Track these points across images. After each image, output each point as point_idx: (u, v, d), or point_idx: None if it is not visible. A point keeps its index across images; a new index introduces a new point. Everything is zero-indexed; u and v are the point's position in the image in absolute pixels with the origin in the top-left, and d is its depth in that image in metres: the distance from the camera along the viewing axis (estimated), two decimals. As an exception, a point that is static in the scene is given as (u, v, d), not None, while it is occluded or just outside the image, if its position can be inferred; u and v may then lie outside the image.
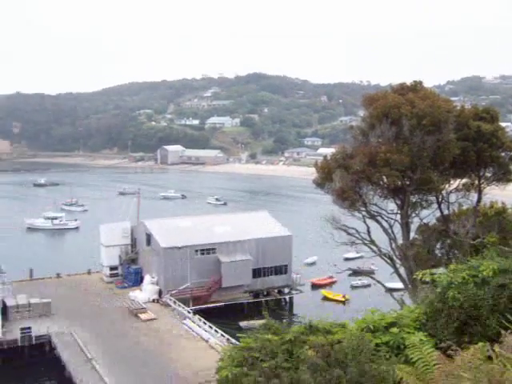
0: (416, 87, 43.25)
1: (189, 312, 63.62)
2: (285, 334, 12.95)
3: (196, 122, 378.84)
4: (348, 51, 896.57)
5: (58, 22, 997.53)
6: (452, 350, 9.35)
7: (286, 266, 77.29)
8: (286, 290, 78.92)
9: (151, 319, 63.20)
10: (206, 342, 55.98)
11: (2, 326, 58.63)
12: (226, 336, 55.06)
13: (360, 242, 44.70)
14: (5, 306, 62.24)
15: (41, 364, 56.73)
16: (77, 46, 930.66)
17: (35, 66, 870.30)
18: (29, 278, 78.78)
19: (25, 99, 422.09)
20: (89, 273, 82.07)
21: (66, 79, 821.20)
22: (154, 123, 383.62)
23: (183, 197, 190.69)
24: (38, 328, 59.19)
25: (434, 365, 9.39)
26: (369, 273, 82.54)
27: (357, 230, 44.31)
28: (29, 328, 58.46)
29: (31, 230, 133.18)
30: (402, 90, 43.31)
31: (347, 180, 40.76)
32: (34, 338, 58.06)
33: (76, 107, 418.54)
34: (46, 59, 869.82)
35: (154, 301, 69.62)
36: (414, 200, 43.82)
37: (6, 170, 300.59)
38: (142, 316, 63.70)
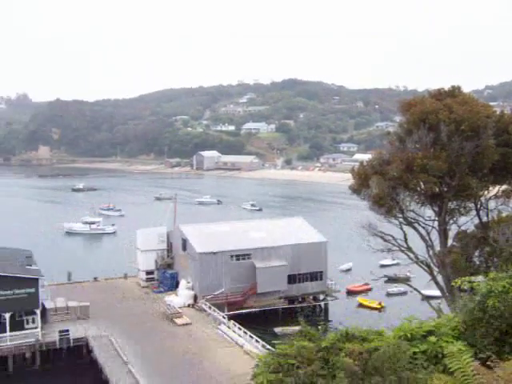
0: (454, 92, 42.72)
1: (224, 317, 63.71)
2: (321, 341, 12.89)
3: (232, 127, 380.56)
4: (385, 56, 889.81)
5: (96, 31, 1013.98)
6: (492, 361, 9.18)
7: (321, 272, 76.86)
8: (322, 297, 78.46)
9: (186, 324, 63.48)
10: (241, 347, 55.96)
11: (42, 328, 59.62)
12: (261, 342, 54.94)
13: (396, 248, 44.29)
14: (44, 309, 63.31)
15: (78, 366, 57.37)
16: (115, 54, 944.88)
17: (75, 74, 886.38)
18: (67, 281, 79.98)
19: (64, 106, 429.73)
20: (125, 277, 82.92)
21: (105, 86, 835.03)
22: (190, 129, 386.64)
23: (219, 202, 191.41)
24: (76, 331, 60.01)
25: (473, 375, 9.22)
26: (405, 280, 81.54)
27: (393, 237, 43.89)
28: (67, 330, 59.30)
29: (69, 234, 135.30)
30: (439, 95, 42.85)
31: (384, 186, 40.43)
32: (71, 341, 58.85)
33: (114, 113, 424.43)
34: (85, 67, 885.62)
35: (189, 306, 69.94)
36: (451, 206, 43.25)
37: (45, 175, 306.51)
38: (178, 320, 64.03)
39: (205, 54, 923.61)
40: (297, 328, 14.47)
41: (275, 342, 14.02)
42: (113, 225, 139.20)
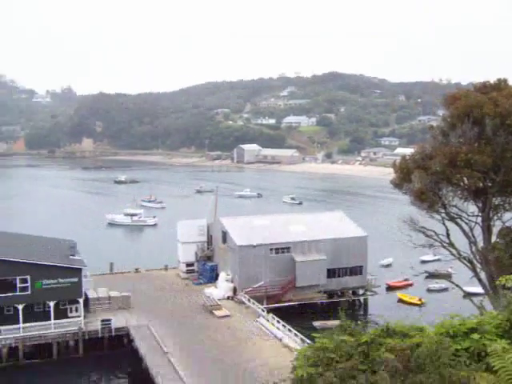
0: (500, 85, 41.81)
1: (263, 310, 63.90)
2: (361, 336, 12.82)
3: (272, 121, 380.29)
4: (427, 49, 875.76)
5: (137, 25, 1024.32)
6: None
7: (361, 266, 76.37)
8: (361, 292, 77.97)
9: (226, 316, 63.88)
10: (280, 340, 56.06)
11: (84, 317, 60.84)
12: (300, 335, 54.94)
13: (438, 244, 43.67)
14: (86, 298, 64.57)
15: (119, 355, 58.43)
16: (157, 47, 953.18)
17: (118, 67, 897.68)
18: (109, 271, 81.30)
19: (107, 99, 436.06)
20: (166, 268, 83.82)
21: (147, 79, 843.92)
22: (231, 122, 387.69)
23: (259, 195, 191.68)
24: (117, 320, 61.04)
25: (518, 374, 9.06)
26: (446, 276, 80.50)
27: (435, 232, 43.31)
28: (109, 320, 60.40)
29: (112, 225, 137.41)
30: (484, 88, 42.00)
31: (426, 181, 39.91)
32: (113, 330, 59.94)
33: (156, 107, 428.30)
34: (128, 60, 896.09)
35: (228, 298, 70.37)
36: (496, 202, 42.42)
37: (89, 168, 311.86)
38: (217, 312, 64.49)
39: (246, 48, 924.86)
40: (336, 322, 14.42)
41: (315, 335, 13.97)
42: (154, 217, 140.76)
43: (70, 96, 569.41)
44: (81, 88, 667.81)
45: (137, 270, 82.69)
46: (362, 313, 75.23)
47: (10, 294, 57.99)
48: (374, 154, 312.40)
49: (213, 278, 76.38)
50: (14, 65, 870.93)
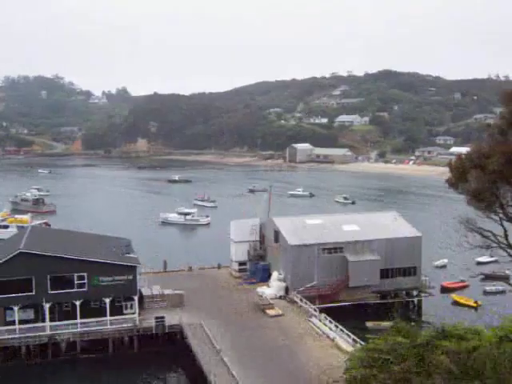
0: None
1: (315, 310, 63.67)
2: (415, 338, 12.69)
3: (325, 120, 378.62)
4: (483, 44, 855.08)
5: (194, 27, 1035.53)
6: None
7: (414, 267, 75.18)
8: (415, 293, 76.70)
9: (278, 315, 63.92)
10: (332, 340, 55.77)
11: (139, 314, 61.94)
12: (352, 336, 54.54)
13: (496, 245, 42.66)
14: (141, 296, 65.70)
15: (172, 352, 59.19)
16: (210, 47, 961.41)
17: (172, 68, 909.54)
18: (163, 269, 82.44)
19: (162, 100, 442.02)
20: (219, 267, 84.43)
21: (201, 80, 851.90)
22: (283, 122, 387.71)
23: (311, 195, 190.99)
24: (171, 318, 61.87)
25: None
26: (504, 278, 78.61)
27: (493, 233, 42.34)
28: (162, 317, 61.28)
29: (165, 224, 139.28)
30: (545, 85, 40.73)
31: (483, 181, 39.05)
32: (167, 327, 60.78)
33: (209, 107, 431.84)
34: (182, 61, 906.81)
35: (280, 297, 70.38)
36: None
37: (143, 167, 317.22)
38: (269, 312, 64.60)
39: (298, 47, 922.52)
40: (389, 323, 14.33)
41: (368, 336, 13.90)
42: (207, 216, 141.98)
43: (125, 97, 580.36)
44: (136, 89, 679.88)
45: (190, 269, 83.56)
46: (415, 314, 74.05)
47: (68, 291, 59.63)
48: (429, 153, 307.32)
49: (265, 277, 76.50)
50: (72, 67, 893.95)
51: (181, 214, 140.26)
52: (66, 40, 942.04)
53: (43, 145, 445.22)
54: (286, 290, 71.40)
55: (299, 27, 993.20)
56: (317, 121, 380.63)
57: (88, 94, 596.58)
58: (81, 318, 59.68)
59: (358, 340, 51.73)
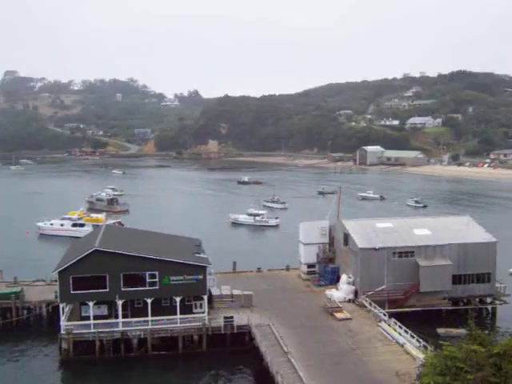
0: None
1: (384, 315, 62.70)
2: (492, 347, 12.32)
3: (396, 122, 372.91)
4: None
5: (264, 29, 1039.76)
6: None
7: (489, 273, 72.88)
8: (489, 300, 74.35)
9: (346, 319, 63.35)
10: (401, 346, 54.79)
11: (208, 314, 62.71)
12: (422, 342, 53.38)
13: None
14: (210, 295, 66.50)
15: (240, 352, 59.59)
16: (280, 50, 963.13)
17: (242, 71, 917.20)
18: (232, 270, 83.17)
19: (232, 101, 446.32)
20: (287, 269, 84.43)
21: (271, 81, 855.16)
22: (353, 123, 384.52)
23: (382, 198, 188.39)
24: (240, 318, 62.32)
25: None
26: None
27: None
28: (231, 317, 61.82)
29: (235, 224, 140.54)
30: None
31: None
32: (235, 327, 61.27)
33: (279, 109, 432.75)
34: (253, 63, 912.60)
35: (349, 301, 69.71)
36: None
37: (214, 168, 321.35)
38: (338, 315, 64.10)
39: (370, 48, 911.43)
40: (461, 330, 13.96)
41: (443, 343, 13.60)
42: (276, 218, 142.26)
43: (196, 99, 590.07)
44: (207, 91, 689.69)
45: (259, 270, 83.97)
46: (489, 322, 71.72)
47: (140, 288, 61.05)
48: (505, 155, 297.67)
49: (334, 279, 76.02)
50: (146, 71, 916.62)
51: (250, 215, 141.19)
52: (141, 44, 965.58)
53: (117, 146, 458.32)
54: (355, 293, 70.66)
55: (369, 28, 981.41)
56: (388, 123, 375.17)
57: (161, 96, 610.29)
58: (152, 315, 60.93)
59: (429, 346, 50.60)
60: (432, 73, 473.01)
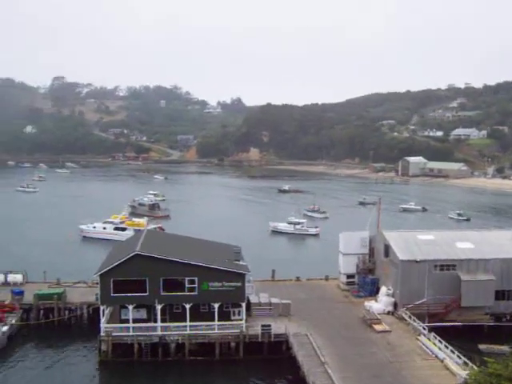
0: None
1: (424, 328, 61.80)
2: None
3: (440, 133, 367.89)
4: None
5: (303, 38, 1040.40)
6: None
7: (534, 290, 71.12)
8: (533, 317, 72.49)
9: (385, 331, 62.64)
10: (441, 361, 53.89)
11: (246, 321, 62.80)
12: (463, 358, 52.41)
13: None
14: (248, 303, 66.58)
15: (277, 361, 59.52)
16: (321, 58, 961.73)
17: (284, 79, 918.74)
18: (271, 278, 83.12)
19: (275, 110, 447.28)
20: (326, 279, 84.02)
21: (313, 91, 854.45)
22: (396, 134, 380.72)
23: (424, 210, 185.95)
24: (277, 327, 62.23)
25: None
26: None
27: None
28: (269, 326, 61.74)
29: (275, 233, 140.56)
30: None
31: None
32: (273, 336, 61.17)
33: (321, 118, 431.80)
34: (295, 72, 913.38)
35: (388, 313, 68.94)
36: None
37: (254, 176, 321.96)
38: (377, 327, 63.46)
39: (414, 58, 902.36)
40: (504, 347, 13.70)
41: (487, 360, 13.38)
42: (316, 227, 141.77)
43: (239, 107, 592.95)
44: (250, 99, 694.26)
45: (297, 279, 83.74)
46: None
47: (180, 294, 61.53)
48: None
49: (373, 291, 75.32)
50: (189, 78, 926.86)
51: (291, 223, 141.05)
52: (184, 52, 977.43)
53: (160, 152, 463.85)
54: (395, 305, 69.84)
55: (412, 37, 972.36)
56: (431, 133, 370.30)
57: (203, 103, 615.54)
58: (190, 321, 61.35)
59: (470, 362, 49.65)
60: (477, 84, 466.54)
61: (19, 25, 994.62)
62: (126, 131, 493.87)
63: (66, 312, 71.54)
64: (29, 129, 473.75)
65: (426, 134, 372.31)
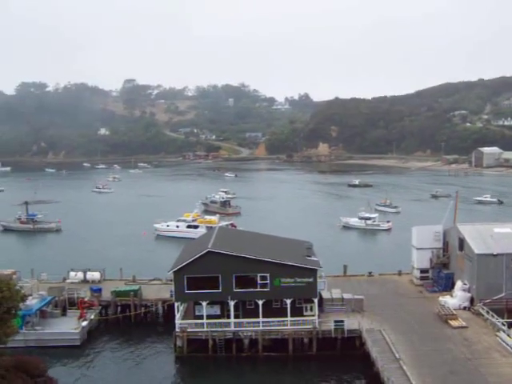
0: None
1: (503, 324, 59.98)
2: None
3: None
4: None
5: (369, 30, 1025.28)
6: None
7: None
8: None
9: (462, 327, 61.18)
10: (522, 358, 52.25)
11: (318, 317, 62.74)
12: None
13: None
14: (321, 298, 66.47)
15: (350, 357, 59.14)
16: (389, 51, 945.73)
17: (351, 73, 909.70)
18: (343, 274, 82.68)
19: (342, 104, 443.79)
20: (399, 274, 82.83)
21: (382, 83, 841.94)
22: (468, 124, 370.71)
23: (500, 202, 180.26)
24: (350, 322, 61.88)
25: None
26: None
27: None
28: (342, 321, 61.45)
29: (346, 228, 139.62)
30: None
31: None
32: (346, 332, 60.85)
33: (390, 110, 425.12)
34: (363, 65, 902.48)
35: (464, 308, 67.26)
36: None
37: (324, 171, 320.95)
38: (453, 323, 62.06)
39: (486, 45, 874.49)
40: None
41: None
42: (388, 221, 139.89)
43: (307, 102, 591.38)
44: (317, 94, 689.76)
45: (370, 274, 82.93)
46: None
47: (252, 290, 62.05)
48: None
49: (448, 286, 73.66)
50: (257, 75, 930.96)
51: (362, 218, 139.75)
52: (252, 50, 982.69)
53: (229, 150, 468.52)
54: (471, 300, 68.07)
55: (483, 21, 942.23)
56: (506, 123, 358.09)
57: (271, 100, 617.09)
58: (263, 317, 61.80)
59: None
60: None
61: (91, 31, 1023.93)
62: (195, 130, 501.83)
63: (142, 308, 73.49)
64: (102, 131, 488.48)
65: (500, 123, 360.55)
